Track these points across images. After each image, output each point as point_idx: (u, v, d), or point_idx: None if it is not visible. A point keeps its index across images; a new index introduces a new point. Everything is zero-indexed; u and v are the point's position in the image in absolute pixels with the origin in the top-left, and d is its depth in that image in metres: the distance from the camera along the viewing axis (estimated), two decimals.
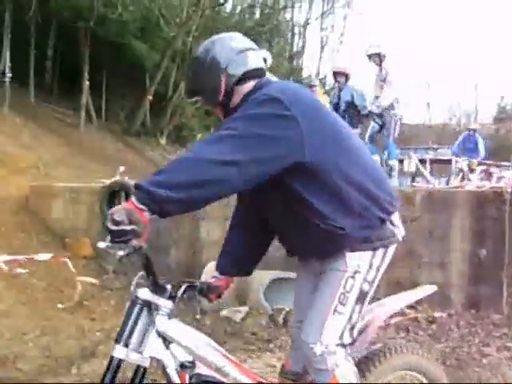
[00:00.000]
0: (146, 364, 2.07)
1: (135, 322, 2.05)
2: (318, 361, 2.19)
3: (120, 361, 2.04)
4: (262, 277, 6.31)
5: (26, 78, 14.17)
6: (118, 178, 8.13)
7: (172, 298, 2.15)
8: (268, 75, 2.33)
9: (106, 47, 14.77)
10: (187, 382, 2.08)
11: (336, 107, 9.01)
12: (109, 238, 1.88)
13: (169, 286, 2.14)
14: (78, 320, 6.12)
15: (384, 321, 2.60)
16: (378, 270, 2.26)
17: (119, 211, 1.87)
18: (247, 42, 2.31)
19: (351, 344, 2.29)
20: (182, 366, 2.07)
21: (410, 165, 10.37)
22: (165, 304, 2.10)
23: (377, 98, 8.51)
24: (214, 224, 7.30)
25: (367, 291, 2.26)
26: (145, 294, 2.09)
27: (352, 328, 2.25)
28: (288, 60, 24.39)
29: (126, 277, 7.45)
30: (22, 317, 5.96)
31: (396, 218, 2.30)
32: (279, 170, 2.00)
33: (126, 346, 2.03)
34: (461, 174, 10.14)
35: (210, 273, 6.58)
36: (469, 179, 9.87)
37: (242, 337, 5.63)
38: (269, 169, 1.99)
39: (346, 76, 8.84)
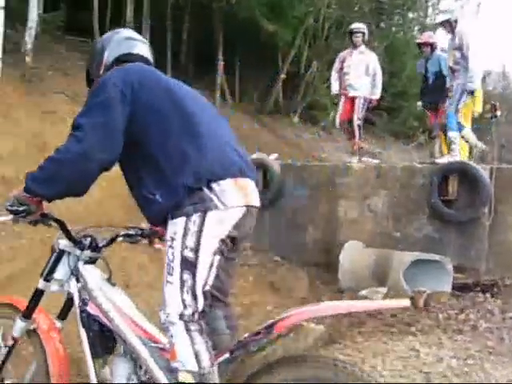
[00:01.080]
0: (65, 295, 2.63)
1: (55, 264, 2.62)
2: (164, 328, 2.28)
3: (42, 291, 2.65)
4: (402, 257, 6.17)
5: (163, 61, 14.71)
6: (256, 156, 8.25)
7: (93, 247, 2.61)
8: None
9: (239, 28, 14.96)
10: (78, 315, 2.52)
11: (425, 79, 8.56)
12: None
13: (87, 240, 2.61)
14: None
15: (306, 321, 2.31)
16: (198, 235, 2.22)
17: (10, 198, 2.36)
18: (134, 35, 2.69)
19: (202, 318, 2.28)
20: (83, 301, 2.51)
21: None
22: (79, 253, 2.58)
23: (452, 70, 7.78)
24: (352, 203, 7.24)
25: (192, 258, 2.23)
26: (61, 243, 2.63)
27: (194, 298, 2.24)
28: (423, 32, 23.41)
29: (264, 254, 7.58)
30: None
31: (223, 187, 2.25)
32: (122, 142, 2.28)
33: (48, 280, 2.62)
34: None
35: (348, 252, 6.49)
36: None
37: (381, 318, 5.52)
38: (114, 151, 2.27)
39: (431, 45, 8.34)
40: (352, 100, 8.65)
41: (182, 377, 2.21)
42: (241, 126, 14.11)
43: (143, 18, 14.84)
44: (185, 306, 2.24)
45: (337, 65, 8.89)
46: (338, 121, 8.98)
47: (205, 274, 2.27)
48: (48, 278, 2.63)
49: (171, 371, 2.27)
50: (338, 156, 12.89)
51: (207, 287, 2.29)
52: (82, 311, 2.52)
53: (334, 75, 8.91)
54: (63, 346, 2.65)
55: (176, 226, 2.26)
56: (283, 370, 2.15)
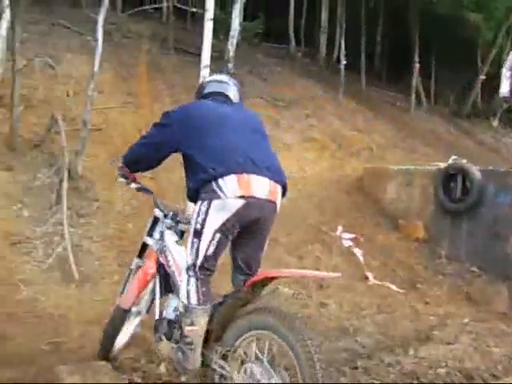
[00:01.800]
0: (155, 249, 3.68)
1: (152, 226, 3.79)
2: None
3: (146, 244, 3.81)
4: None
5: (357, 64, 14.72)
6: (453, 161, 7.95)
7: (173, 219, 3.69)
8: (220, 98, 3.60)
9: (435, 28, 14.47)
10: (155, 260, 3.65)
11: None
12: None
13: (170, 213, 3.71)
14: (412, 302, 6.16)
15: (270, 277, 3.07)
16: (205, 214, 3.11)
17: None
18: (223, 79, 3.75)
19: (205, 269, 3.17)
20: (160, 253, 3.61)
21: None
22: (164, 220, 3.70)
23: None
24: None
25: (199, 229, 3.14)
26: (155, 211, 3.76)
27: (196, 256, 3.15)
28: None
29: (460, 263, 7.25)
30: (358, 292, 6.23)
31: (225, 183, 3.08)
32: (166, 152, 3.45)
33: (151, 236, 3.76)
34: None
35: None
36: None
37: None
38: (161, 153, 3.46)
39: None
40: None
41: (180, 303, 3.25)
42: (436, 130, 13.69)
43: (337, 23, 14.98)
44: (190, 259, 3.19)
45: (509, 63, 7.81)
46: None
47: (206, 244, 3.14)
48: (149, 234, 3.79)
49: None
50: None
51: (208, 253, 3.15)
52: (156, 260, 3.62)
53: (506, 73, 7.80)
54: (144, 281, 3.72)
55: (195, 206, 3.20)
56: (249, 318, 3.02)
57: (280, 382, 2.81)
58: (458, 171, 7.53)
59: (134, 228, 6.67)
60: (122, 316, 3.79)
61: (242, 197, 3.06)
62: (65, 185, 6.60)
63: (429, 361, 4.45)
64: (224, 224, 3.10)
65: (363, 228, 7.76)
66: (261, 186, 3.13)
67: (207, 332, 3.16)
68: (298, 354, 2.68)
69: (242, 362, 3.00)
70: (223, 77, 3.82)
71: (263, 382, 2.85)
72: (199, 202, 3.16)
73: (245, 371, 2.95)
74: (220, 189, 3.07)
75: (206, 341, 3.16)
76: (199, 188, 3.17)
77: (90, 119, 7.45)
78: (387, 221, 8.26)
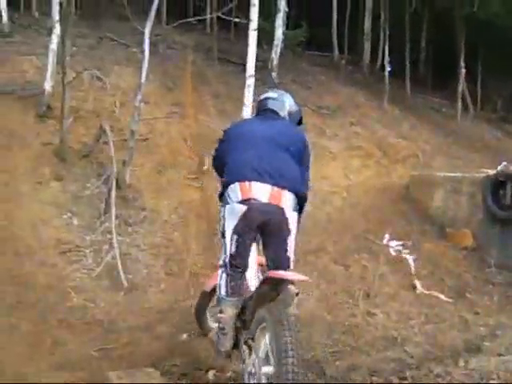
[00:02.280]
0: None
1: None
2: None
3: None
4: None
5: (401, 70, 14.58)
6: (502, 168, 7.78)
7: None
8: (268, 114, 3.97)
9: (482, 31, 14.21)
10: None
11: None
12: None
13: None
14: (461, 312, 6.03)
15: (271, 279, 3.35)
16: (223, 219, 3.58)
17: None
18: (272, 95, 4.06)
19: (232, 266, 3.53)
20: None
21: None
22: None
23: None
24: None
25: (223, 232, 3.59)
26: None
27: (225, 253, 3.56)
28: None
29: (510, 272, 7.06)
30: (406, 302, 6.14)
31: (232, 190, 3.52)
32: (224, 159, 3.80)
33: None
34: None
35: None
36: None
37: None
38: (223, 163, 3.77)
39: None
40: None
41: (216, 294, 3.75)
42: (483, 136, 13.42)
43: (381, 29, 14.87)
44: (222, 258, 3.61)
45: None
46: None
47: (228, 244, 3.53)
48: None
49: None
50: None
51: (232, 252, 3.51)
52: None
53: None
54: None
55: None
56: (258, 311, 3.35)
57: (270, 370, 3.12)
58: (508, 178, 7.38)
59: (180, 237, 6.75)
60: (203, 296, 4.38)
61: (243, 201, 3.46)
62: (113, 194, 6.74)
63: (479, 372, 4.32)
64: (236, 227, 3.50)
65: (410, 236, 7.66)
66: (261, 191, 3.47)
67: (242, 321, 3.58)
68: (272, 345, 3.07)
69: (253, 350, 3.38)
70: (273, 94, 4.12)
71: (256, 369, 3.26)
72: (221, 208, 3.66)
73: (252, 358, 3.36)
74: (228, 195, 3.55)
75: (243, 327, 3.58)
76: (220, 195, 3.71)
77: (138, 129, 7.58)
78: (434, 229, 8.10)
